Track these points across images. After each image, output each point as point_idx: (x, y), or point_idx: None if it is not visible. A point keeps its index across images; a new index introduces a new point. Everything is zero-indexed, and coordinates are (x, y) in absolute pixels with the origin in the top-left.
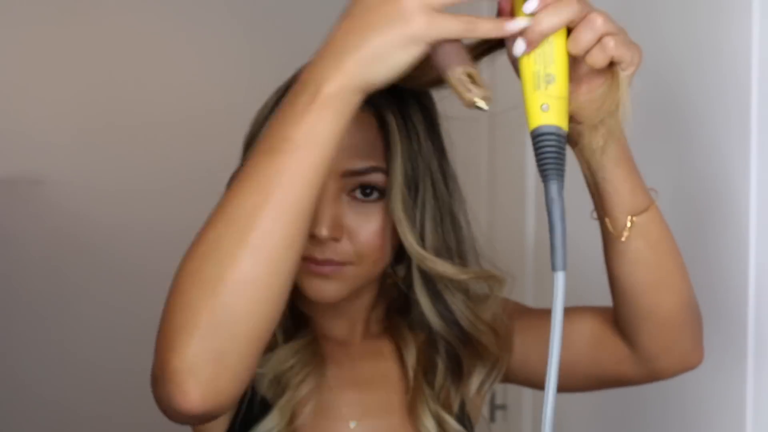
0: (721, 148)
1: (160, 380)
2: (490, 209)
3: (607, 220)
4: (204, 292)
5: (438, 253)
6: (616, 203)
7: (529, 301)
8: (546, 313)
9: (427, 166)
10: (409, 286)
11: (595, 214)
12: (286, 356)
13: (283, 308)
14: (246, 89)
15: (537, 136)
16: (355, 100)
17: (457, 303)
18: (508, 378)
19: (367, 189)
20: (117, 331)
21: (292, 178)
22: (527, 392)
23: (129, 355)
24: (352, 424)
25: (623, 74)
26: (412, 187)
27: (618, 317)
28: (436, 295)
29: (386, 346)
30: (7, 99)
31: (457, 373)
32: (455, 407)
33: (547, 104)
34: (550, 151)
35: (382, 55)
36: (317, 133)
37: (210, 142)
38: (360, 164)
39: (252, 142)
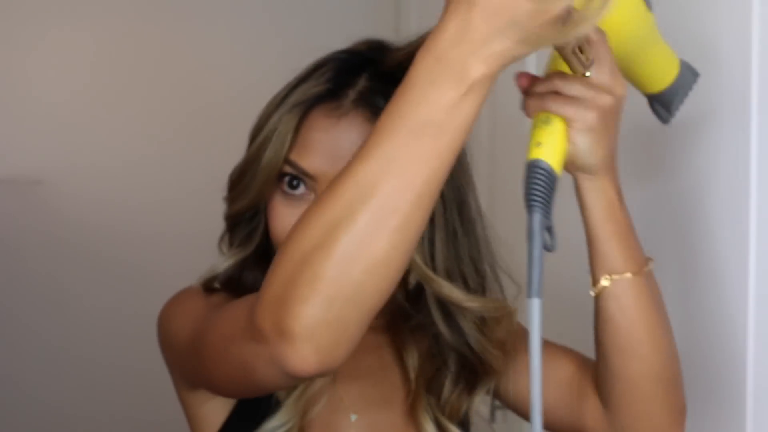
0: (722, 148)
1: (271, 339)
2: (491, 212)
3: (589, 276)
4: (336, 267)
5: (449, 274)
6: (594, 257)
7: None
8: (555, 349)
9: None
10: (417, 298)
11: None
12: None
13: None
14: (248, 90)
15: (528, 167)
16: (492, 84)
17: (467, 325)
18: (498, 396)
19: None
20: (116, 331)
21: (436, 163)
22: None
23: (129, 355)
24: (353, 417)
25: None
26: None
27: (596, 373)
28: (447, 315)
29: (387, 340)
30: (8, 99)
31: (469, 387)
32: (460, 415)
33: (540, 142)
34: (538, 183)
35: (529, 39)
36: (464, 119)
37: (211, 143)
38: None
39: (255, 137)
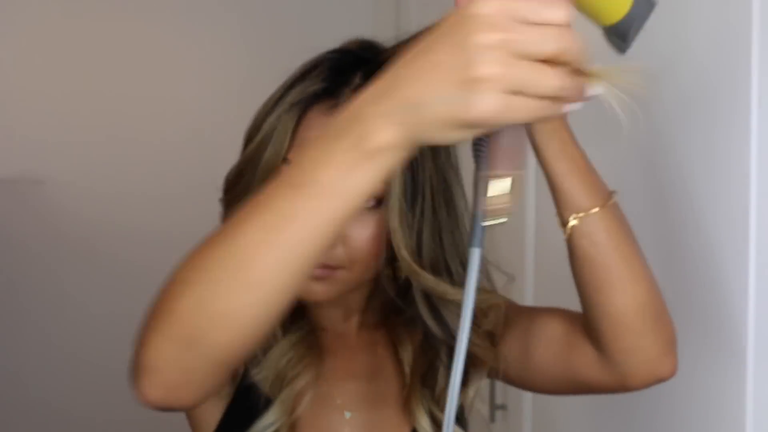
0: (722, 148)
1: (133, 365)
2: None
3: (557, 218)
4: (189, 307)
5: (435, 268)
6: (558, 200)
7: (529, 300)
8: (540, 312)
9: (429, 179)
10: (407, 292)
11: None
12: (282, 352)
13: (266, 333)
14: (247, 89)
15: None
16: (403, 156)
17: (452, 318)
18: (508, 380)
19: None
20: (116, 330)
21: (311, 223)
22: (527, 392)
23: (129, 354)
24: (348, 414)
25: None
26: (411, 197)
27: (583, 318)
28: (432, 307)
29: (383, 337)
30: (8, 99)
31: (464, 378)
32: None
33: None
34: (484, 140)
35: (442, 124)
36: (353, 185)
37: (211, 143)
38: None
39: (253, 137)
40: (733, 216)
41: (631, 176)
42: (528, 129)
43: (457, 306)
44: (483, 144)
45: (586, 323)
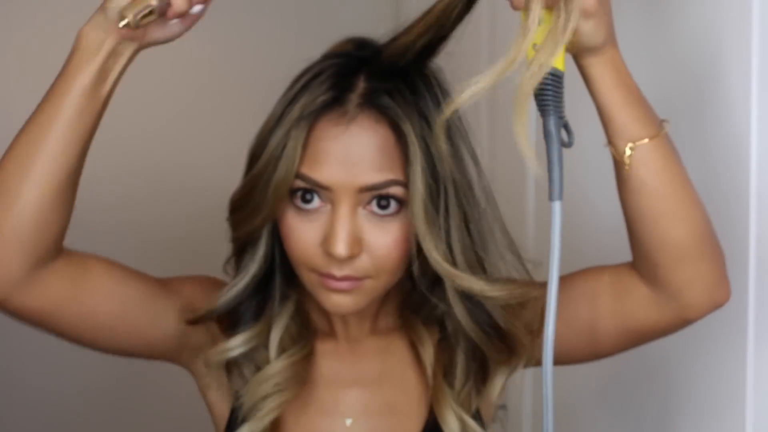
0: (722, 148)
1: None
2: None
3: (611, 147)
4: None
5: (470, 266)
6: (614, 130)
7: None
8: (573, 276)
9: (450, 174)
10: (434, 291)
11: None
12: (263, 379)
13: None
14: (246, 87)
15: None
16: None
17: (495, 308)
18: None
19: (383, 201)
20: None
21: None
22: (527, 392)
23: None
24: (348, 422)
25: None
26: (435, 199)
27: (635, 255)
28: (472, 302)
29: (398, 343)
30: (7, 99)
31: (481, 375)
32: (473, 408)
33: (536, 43)
34: (545, 86)
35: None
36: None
37: (211, 143)
38: (377, 178)
39: (259, 155)
40: (733, 215)
41: None
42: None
43: (495, 301)
44: (548, 91)
45: (640, 260)
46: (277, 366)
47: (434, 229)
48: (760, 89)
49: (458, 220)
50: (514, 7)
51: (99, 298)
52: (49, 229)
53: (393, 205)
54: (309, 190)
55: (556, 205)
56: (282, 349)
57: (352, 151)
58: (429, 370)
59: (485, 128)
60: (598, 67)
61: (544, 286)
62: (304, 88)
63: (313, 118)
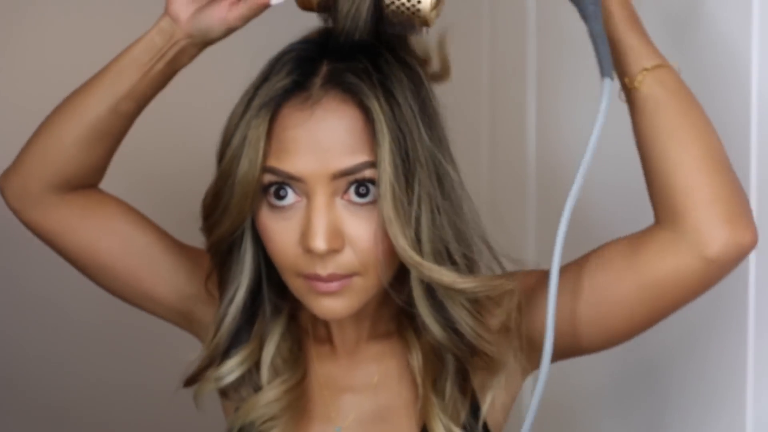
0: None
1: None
2: (492, 206)
3: (626, 79)
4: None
5: (437, 257)
6: (631, 59)
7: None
8: (577, 261)
9: (421, 155)
10: (408, 294)
11: (620, 89)
12: (257, 407)
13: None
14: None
15: None
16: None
17: (460, 313)
18: (585, 349)
19: (361, 188)
20: (117, 329)
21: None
22: (527, 392)
23: (130, 353)
24: (337, 429)
25: None
26: (404, 181)
27: (651, 192)
28: (436, 305)
29: (396, 348)
30: (7, 99)
31: (463, 386)
32: (462, 418)
33: None
34: None
35: None
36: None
37: (211, 143)
38: (349, 162)
39: (224, 152)
40: None
41: (630, 175)
42: None
43: (465, 297)
44: None
45: (656, 193)
46: (270, 395)
47: (402, 214)
48: (760, 89)
49: (429, 206)
50: None
51: (103, 234)
52: (70, 167)
53: (372, 191)
54: (281, 185)
55: (607, 82)
56: (275, 372)
57: (321, 136)
58: (418, 378)
59: (486, 128)
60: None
61: (528, 275)
62: (266, 76)
63: (274, 105)
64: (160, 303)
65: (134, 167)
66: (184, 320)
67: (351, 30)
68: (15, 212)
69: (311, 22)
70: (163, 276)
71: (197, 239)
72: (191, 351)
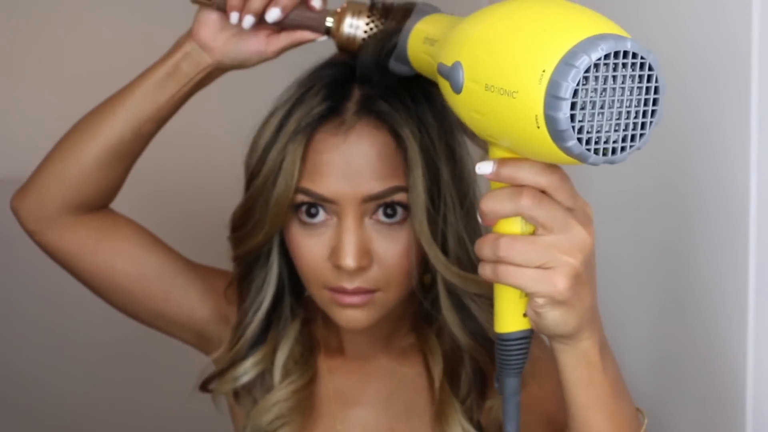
0: (722, 148)
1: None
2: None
3: None
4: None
5: (460, 263)
6: (570, 424)
7: None
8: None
9: (447, 179)
10: (434, 302)
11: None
12: (264, 409)
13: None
14: (246, 87)
15: (510, 340)
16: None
17: (486, 317)
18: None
19: (389, 209)
20: (118, 330)
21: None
22: None
23: (130, 353)
24: None
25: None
26: (433, 204)
27: None
28: (463, 311)
29: (412, 365)
30: (6, 99)
31: (481, 390)
32: (474, 420)
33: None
34: (522, 353)
35: None
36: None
37: (210, 142)
38: (380, 186)
39: (258, 171)
40: (733, 215)
41: (629, 175)
42: None
43: (487, 302)
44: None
45: None
46: (279, 395)
47: (432, 231)
48: (761, 89)
49: (454, 225)
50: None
51: (118, 256)
52: (89, 187)
53: (400, 212)
54: (313, 204)
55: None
56: (286, 373)
57: (353, 161)
58: (437, 382)
59: None
60: (565, 356)
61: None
62: (299, 101)
63: (310, 130)
64: (174, 322)
65: (142, 184)
66: (196, 338)
67: (375, 82)
68: (30, 233)
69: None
70: (177, 296)
71: (202, 256)
72: (190, 358)
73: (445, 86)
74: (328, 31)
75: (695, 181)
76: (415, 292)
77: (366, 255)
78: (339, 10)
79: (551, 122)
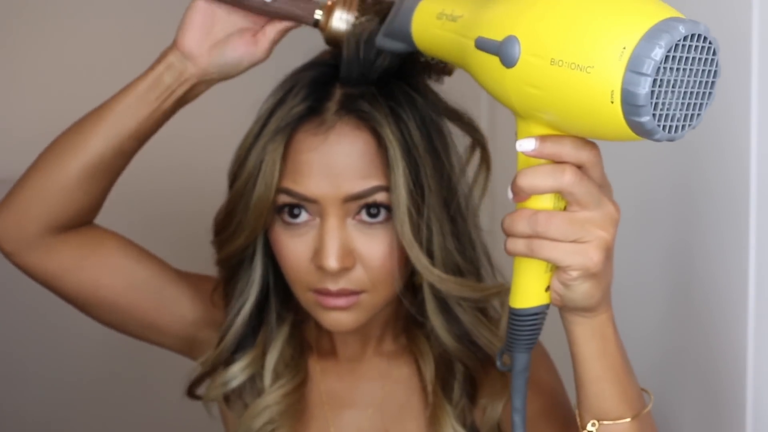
0: (721, 148)
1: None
2: (492, 214)
3: (576, 411)
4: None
5: (448, 271)
6: (583, 400)
7: None
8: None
9: (430, 179)
10: (420, 307)
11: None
12: (255, 413)
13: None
14: (247, 88)
15: (527, 315)
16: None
17: (472, 321)
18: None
19: (372, 209)
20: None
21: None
22: None
23: (130, 353)
24: None
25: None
26: (416, 204)
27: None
28: (449, 316)
29: (404, 367)
30: (5, 99)
31: (471, 394)
32: (468, 423)
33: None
34: (536, 328)
35: None
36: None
37: (210, 142)
38: (361, 186)
39: (239, 173)
40: (732, 214)
41: (628, 174)
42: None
43: (476, 306)
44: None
45: None
46: (269, 399)
47: (415, 232)
48: (761, 89)
49: (439, 226)
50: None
51: (104, 272)
52: (70, 206)
53: (383, 212)
54: (296, 205)
55: None
56: (276, 376)
57: (334, 161)
58: (429, 386)
59: (486, 128)
60: (582, 329)
61: None
62: (280, 102)
63: (290, 130)
64: (165, 333)
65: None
66: (187, 346)
67: (357, 78)
68: (8, 255)
69: (310, 42)
70: (167, 306)
71: (189, 263)
72: (188, 361)
73: (486, 61)
74: (316, 24)
75: (696, 180)
76: (404, 294)
77: (349, 256)
78: (329, 2)
79: (630, 97)
